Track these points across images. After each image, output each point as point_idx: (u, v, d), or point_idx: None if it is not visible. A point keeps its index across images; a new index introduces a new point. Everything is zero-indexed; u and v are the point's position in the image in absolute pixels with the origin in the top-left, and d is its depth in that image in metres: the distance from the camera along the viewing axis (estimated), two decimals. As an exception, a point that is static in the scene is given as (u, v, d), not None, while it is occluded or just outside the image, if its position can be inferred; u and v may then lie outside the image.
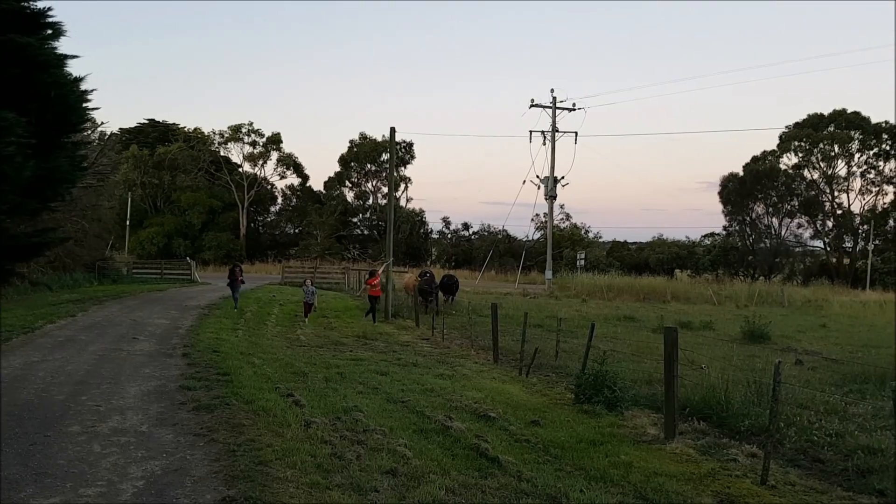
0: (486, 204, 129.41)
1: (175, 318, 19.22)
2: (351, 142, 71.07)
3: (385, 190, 65.15)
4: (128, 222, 53.56)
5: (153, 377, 10.50)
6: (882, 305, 34.27)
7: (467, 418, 8.62)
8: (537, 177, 45.32)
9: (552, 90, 53.37)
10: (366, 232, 70.96)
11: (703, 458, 7.39)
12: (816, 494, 6.51)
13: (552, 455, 7.28)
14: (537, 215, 62.98)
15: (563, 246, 59.57)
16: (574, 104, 44.31)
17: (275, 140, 69.64)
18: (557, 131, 44.71)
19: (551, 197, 45.19)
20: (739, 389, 10.13)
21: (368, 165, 70.58)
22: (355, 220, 71.32)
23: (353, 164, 70.62)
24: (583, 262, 52.65)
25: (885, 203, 55.73)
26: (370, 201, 71.53)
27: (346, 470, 6.20)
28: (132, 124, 74.24)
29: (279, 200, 73.07)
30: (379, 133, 70.72)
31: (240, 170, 69.15)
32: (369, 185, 71.95)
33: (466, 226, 70.51)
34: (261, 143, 69.47)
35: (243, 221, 67.63)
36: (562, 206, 66.05)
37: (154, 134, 70.36)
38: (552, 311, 25.55)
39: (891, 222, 53.64)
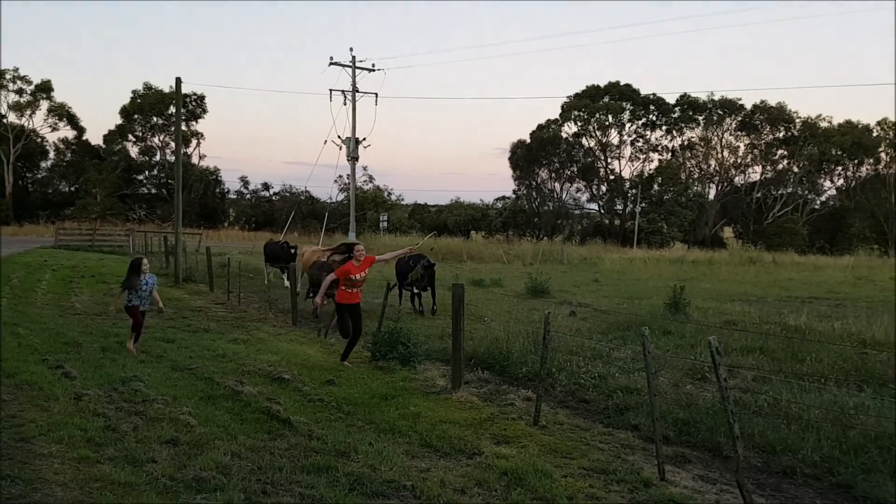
0: (289, 164, 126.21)
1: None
2: (134, 92, 65.39)
3: (175, 146, 61.02)
4: None
5: None
6: (646, 261, 38.42)
7: (260, 382, 8.47)
8: (339, 137, 44.82)
9: (351, 49, 52.74)
10: (153, 191, 66.12)
11: (485, 405, 7.91)
12: (581, 431, 7.23)
13: (345, 412, 7.40)
14: (340, 176, 62.49)
15: (367, 208, 59.81)
16: (374, 65, 44.12)
17: (44, 88, 62.21)
18: (358, 91, 44.43)
19: (353, 158, 45.02)
20: (520, 340, 10.92)
21: (155, 119, 65.49)
22: (141, 177, 66.10)
23: (136, 116, 65.09)
24: (385, 223, 53.28)
25: (650, 169, 62.14)
26: (157, 157, 66.64)
27: (120, 442, 5.86)
28: None
29: (51, 155, 65.69)
30: (166, 83, 65.86)
31: (4, 121, 61.06)
32: (156, 139, 66.93)
33: (267, 186, 68.24)
34: (28, 92, 61.80)
35: (9, 178, 60.01)
36: (365, 168, 66.26)
37: None
38: (352, 271, 25.64)
39: (655, 187, 59.91)
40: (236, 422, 6.78)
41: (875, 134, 60.65)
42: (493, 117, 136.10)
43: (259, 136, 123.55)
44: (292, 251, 20.95)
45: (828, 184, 62.93)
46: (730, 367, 9.14)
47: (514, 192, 65.21)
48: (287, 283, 18.80)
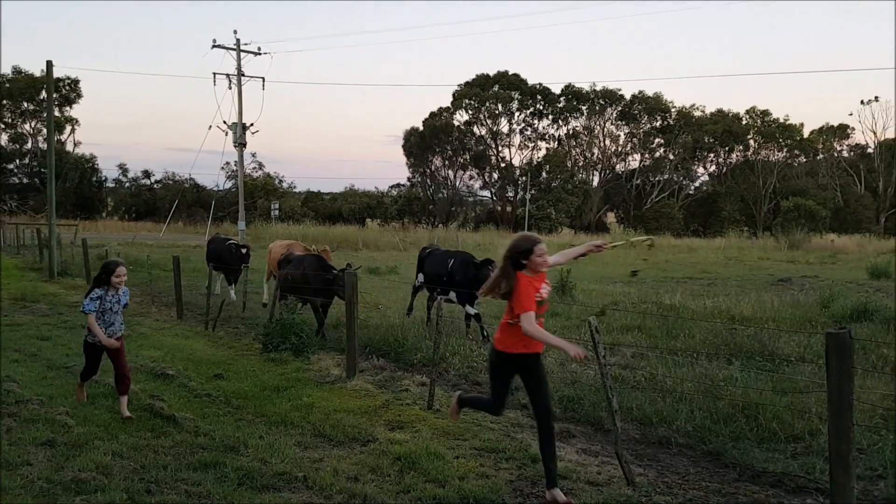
0: (172, 150, 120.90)
1: None
2: (2, 76, 60.68)
3: (47, 132, 57.12)
4: None
5: None
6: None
7: (142, 379, 8.14)
8: (224, 122, 43.32)
9: (235, 31, 51.03)
10: (25, 181, 61.75)
11: (380, 392, 7.95)
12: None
13: (234, 406, 7.24)
14: (228, 163, 60.49)
15: (257, 196, 58.21)
16: (260, 48, 42.91)
17: None
18: (243, 75, 43.10)
19: (241, 144, 43.67)
20: (415, 326, 11.02)
21: (25, 104, 61.09)
22: (11, 166, 61.56)
23: (6, 102, 60.55)
24: (277, 212, 52.09)
25: (539, 157, 63.84)
26: (29, 145, 62.21)
27: (-10, 447, 5.49)
28: None
29: None
30: (37, 67, 61.42)
31: None
32: (27, 126, 62.46)
33: (147, 174, 65.10)
34: None
35: None
36: (253, 155, 64.33)
37: None
38: (242, 262, 24.95)
39: (543, 174, 61.64)
40: (117, 421, 6.50)
41: (744, 122, 64.88)
42: (387, 104, 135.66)
43: (139, 123, 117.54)
44: (243, 252, 16.51)
45: (701, 170, 66.90)
46: (610, 345, 9.62)
47: (409, 179, 65.40)
48: (233, 296, 15.67)
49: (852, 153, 68.06)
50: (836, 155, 68.01)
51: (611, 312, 12.47)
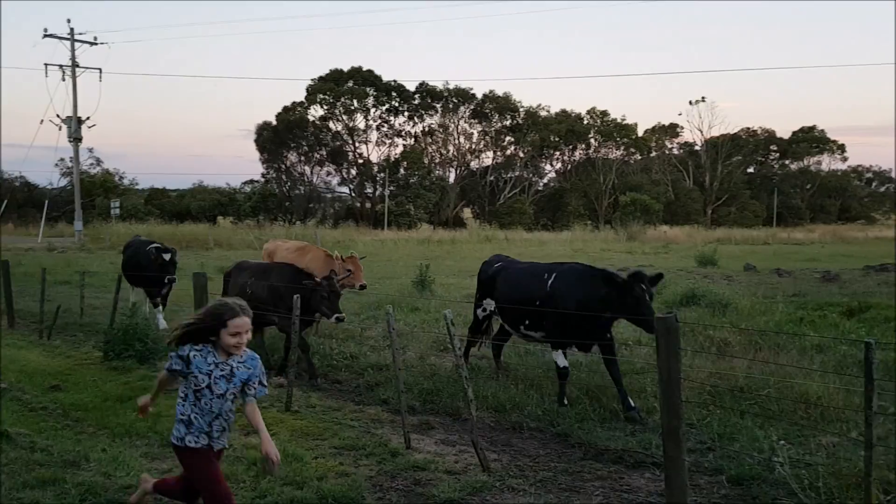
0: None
1: None
2: None
3: None
4: None
5: None
6: (396, 243, 39.79)
7: (-34, 395, 7.41)
8: (58, 116, 40.11)
9: (69, 20, 47.26)
10: None
11: (234, 396, 7.71)
12: (333, 412, 7.39)
13: (73, 419, 6.79)
14: (62, 160, 55.95)
15: (95, 194, 54.22)
16: (95, 38, 40.13)
17: None
18: (78, 66, 40.10)
19: (76, 139, 40.63)
20: (271, 327, 10.76)
21: None
22: None
23: None
24: (118, 211, 48.85)
25: (396, 154, 64.17)
26: None
27: None
28: None
29: None
30: None
31: None
32: None
33: (-34, 171, 58.82)
34: None
35: None
36: (91, 150, 59.85)
37: None
38: (83, 265, 23.23)
39: (401, 171, 62.01)
40: (-63, 444, 5.88)
41: (586, 122, 68.58)
42: (238, 97, 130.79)
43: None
44: (165, 258, 12.10)
45: (548, 167, 69.94)
46: (465, 337, 9.88)
47: (263, 175, 63.50)
48: (162, 323, 11.66)
49: (682, 150, 73.80)
50: (667, 152, 73.52)
51: (469, 305, 12.80)
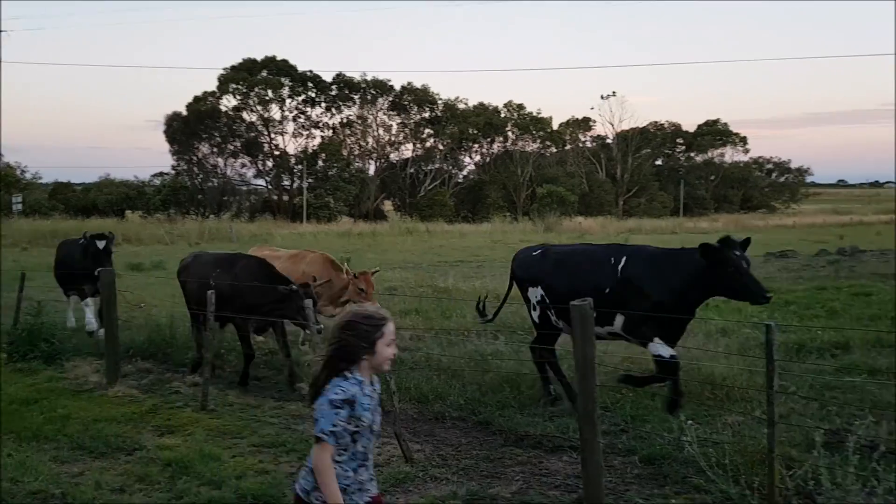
0: None
1: None
2: None
3: None
4: None
5: None
6: (316, 236, 39.24)
7: None
8: (-55, 104, 37.48)
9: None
10: None
11: (146, 396, 7.48)
12: (251, 409, 7.24)
13: (-27, 425, 6.39)
14: (-47, 152, 52.36)
15: (-5, 188, 51.10)
16: (-8, 22, 37.70)
17: None
18: (-31, 50, 37.58)
19: (-33, 129, 38.09)
20: (185, 324, 10.42)
21: None
22: None
23: None
24: (20, 206, 46.29)
25: (314, 145, 63.20)
26: None
27: None
28: None
29: None
30: None
31: None
32: None
33: None
34: None
35: None
36: (-14, 142, 56.37)
37: None
38: (-22, 263, 21.88)
39: (320, 162, 61.11)
40: None
41: (503, 115, 69.45)
42: (146, 87, 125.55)
43: None
44: (99, 245, 10.50)
45: (468, 160, 70.48)
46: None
47: (174, 167, 61.35)
48: (97, 330, 10.14)
49: (594, 143, 75.91)
50: (581, 145, 75.45)
51: (390, 297, 12.78)
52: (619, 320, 6.69)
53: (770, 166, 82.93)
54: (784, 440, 5.01)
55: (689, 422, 5.14)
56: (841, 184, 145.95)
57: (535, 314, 7.35)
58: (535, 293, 7.21)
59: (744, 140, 77.24)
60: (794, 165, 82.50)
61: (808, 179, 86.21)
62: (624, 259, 6.77)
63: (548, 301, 7.10)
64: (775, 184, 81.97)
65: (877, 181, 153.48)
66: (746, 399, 6.57)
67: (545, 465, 5.63)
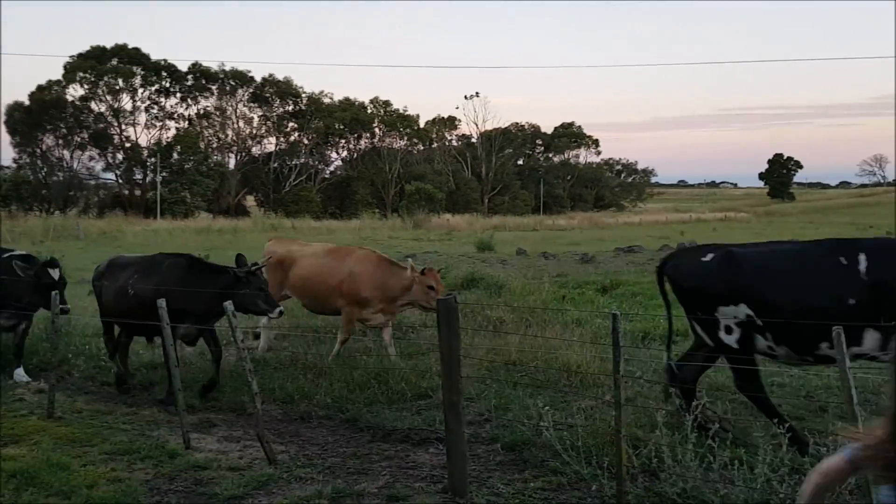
0: None
1: None
2: None
3: None
4: None
5: None
6: (171, 232, 37.40)
7: None
8: None
9: None
10: None
11: (-17, 407, 6.87)
12: (102, 416, 6.85)
13: None
14: None
15: None
16: None
17: None
18: None
19: None
20: (33, 329, 9.64)
21: None
22: None
23: None
24: None
25: (168, 137, 60.11)
26: None
27: None
28: None
29: None
30: None
31: None
32: None
33: None
34: None
35: None
36: None
37: None
38: None
39: (175, 155, 58.20)
40: None
41: (370, 111, 69.29)
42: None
43: None
44: (54, 275, 7.99)
45: (334, 155, 69.76)
46: (248, 329, 9.62)
47: (15, 160, 56.58)
48: (23, 378, 8.04)
49: (460, 142, 77.47)
50: (447, 143, 76.78)
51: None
52: (871, 338, 5.20)
53: (619, 167, 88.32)
54: (630, 421, 5.38)
55: (547, 408, 5.41)
56: (682, 184, 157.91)
57: (732, 338, 5.65)
58: (736, 312, 5.58)
59: (596, 142, 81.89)
60: (640, 167, 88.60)
61: (653, 180, 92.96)
62: (863, 257, 5.31)
63: (759, 322, 5.50)
64: (624, 184, 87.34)
65: (713, 181, 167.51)
66: (598, 384, 7.00)
67: (412, 459, 5.72)
